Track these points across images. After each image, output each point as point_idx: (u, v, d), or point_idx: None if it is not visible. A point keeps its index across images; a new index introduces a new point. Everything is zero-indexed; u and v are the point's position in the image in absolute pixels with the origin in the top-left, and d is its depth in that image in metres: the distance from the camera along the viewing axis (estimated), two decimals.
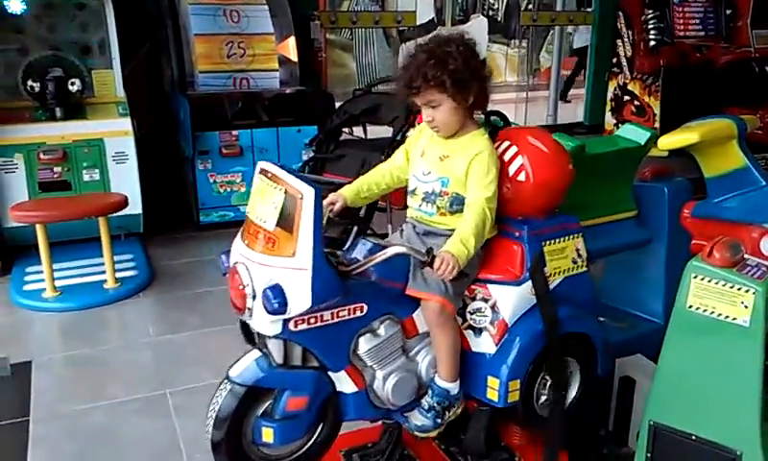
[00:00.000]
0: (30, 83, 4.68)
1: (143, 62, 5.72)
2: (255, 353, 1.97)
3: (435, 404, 2.08)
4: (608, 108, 8.14)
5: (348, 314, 1.93)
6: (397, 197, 3.41)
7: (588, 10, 8.61)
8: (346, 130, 4.30)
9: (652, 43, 7.49)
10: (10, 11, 4.72)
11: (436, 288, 1.96)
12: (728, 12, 7.85)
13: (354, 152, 4.05)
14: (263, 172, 1.91)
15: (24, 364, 3.42)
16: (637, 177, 3.09)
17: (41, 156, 4.51)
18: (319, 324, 1.88)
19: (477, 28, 11.54)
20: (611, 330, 2.87)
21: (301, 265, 1.77)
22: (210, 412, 1.94)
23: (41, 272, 4.11)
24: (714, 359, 1.94)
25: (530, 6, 9.30)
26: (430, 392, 2.09)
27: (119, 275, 4.30)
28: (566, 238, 2.18)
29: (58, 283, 4.15)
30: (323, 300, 1.83)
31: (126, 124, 4.69)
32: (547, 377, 2.18)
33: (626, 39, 7.74)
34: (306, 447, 2.08)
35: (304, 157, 4.88)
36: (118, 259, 4.39)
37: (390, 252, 1.91)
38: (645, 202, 3.01)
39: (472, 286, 2.12)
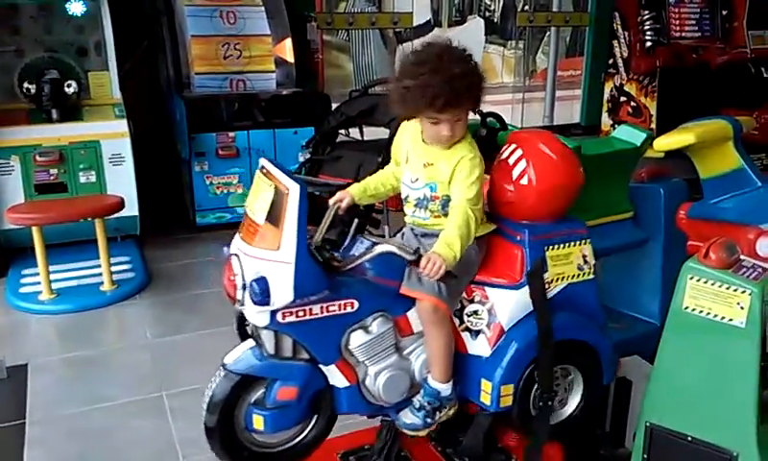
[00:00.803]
0: (26, 84, 4.68)
1: (139, 64, 5.72)
2: (250, 343, 2.03)
3: (426, 404, 2.08)
4: (604, 108, 8.15)
5: (339, 309, 1.96)
6: (393, 199, 3.42)
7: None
8: (342, 131, 4.30)
9: (648, 44, 7.50)
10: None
11: (429, 288, 1.96)
12: (724, 12, 7.86)
13: (351, 153, 4.05)
14: (262, 169, 1.97)
15: (20, 366, 3.41)
16: (634, 178, 3.10)
17: (37, 158, 4.51)
18: (308, 317, 1.92)
19: (474, 29, 11.56)
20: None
21: (285, 259, 1.83)
22: (205, 397, 2.00)
23: (38, 274, 4.11)
24: (710, 360, 1.95)
25: (526, 7, 9.30)
26: (422, 391, 2.10)
27: (116, 277, 4.29)
28: (572, 244, 2.14)
29: (54, 286, 4.14)
30: (305, 293, 1.88)
31: (122, 126, 4.68)
32: None
33: (622, 40, 7.75)
34: (300, 437, 2.12)
35: (301, 159, 4.88)
36: (115, 261, 4.38)
37: (378, 249, 1.95)
38: (641, 203, 3.02)
39: (471, 288, 2.11)
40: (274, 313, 1.88)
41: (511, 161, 2.12)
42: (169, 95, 5.51)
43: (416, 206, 2.10)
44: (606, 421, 2.64)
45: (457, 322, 2.12)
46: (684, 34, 7.71)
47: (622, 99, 7.86)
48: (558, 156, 2.13)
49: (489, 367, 2.08)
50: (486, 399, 2.10)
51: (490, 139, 3.15)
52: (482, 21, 11.78)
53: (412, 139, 2.11)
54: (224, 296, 1.98)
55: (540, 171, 2.09)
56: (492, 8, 11.87)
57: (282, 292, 1.84)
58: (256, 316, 1.92)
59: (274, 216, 1.86)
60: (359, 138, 4.32)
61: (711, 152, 2.77)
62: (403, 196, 2.16)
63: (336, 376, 2.02)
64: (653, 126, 7.29)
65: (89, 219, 4.12)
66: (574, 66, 9.93)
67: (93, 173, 4.65)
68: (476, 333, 2.11)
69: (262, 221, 1.89)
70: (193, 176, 5.16)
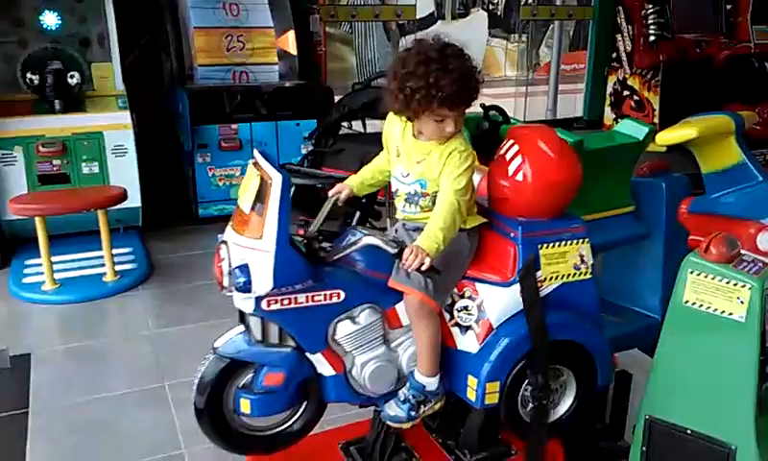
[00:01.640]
0: (29, 75, 4.68)
1: (142, 56, 5.72)
2: (240, 328, 2.07)
3: (410, 397, 2.09)
4: (607, 102, 8.14)
5: (324, 299, 1.99)
6: None
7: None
8: (345, 124, 4.30)
9: (651, 38, 7.48)
10: None
11: (416, 283, 1.95)
12: (728, 7, 7.84)
13: (353, 146, 4.06)
14: (253, 160, 2.00)
15: (23, 356, 3.43)
16: (636, 172, 3.10)
17: (40, 148, 4.52)
18: (293, 306, 1.95)
19: (477, 22, 11.52)
20: (608, 325, 2.87)
21: (266, 247, 1.87)
22: (195, 379, 2.05)
23: (40, 264, 4.12)
24: (710, 354, 1.95)
25: (529, 0, 9.27)
26: (408, 384, 2.10)
27: (118, 268, 4.31)
28: (568, 243, 2.09)
29: (57, 276, 4.16)
30: (285, 282, 1.91)
31: (125, 117, 4.69)
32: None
33: (626, 34, 7.74)
34: (289, 423, 2.16)
35: (303, 151, 4.89)
36: (117, 252, 4.40)
37: (363, 242, 1.98)
38: (643, 197, 3.02)
39: (462, 283, 2.10)
40: (258, 300, 1.92)
41: (508, 157, 2.09)
42: (172, 87, 5.51)
43: (406, 201, 2.09)
44: (606, 414, 2.64)
45: (447, 316, 2.11)
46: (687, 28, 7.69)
47: (625, 93, 7.85)
48: (555, 152, 2.08)
49: (476, 363, 2.07)
50: (471, 395, 2.08)
51: (492, 133, 3.15)
52: (485, 14, 11.74)
53: (402, 134, 2.08)
54: (227, 298, 2.01)
55: (536, 167, 2.05)
56: (496, 1, 11.83)
57: (263, 280, 1.88)
58: (242, 302, 1.97)
59: (259, 206, 1.90)
60: (362, 131, 4.33)
61: (713, 146, 2.77)
62: (393, 189, 2.15)
63: (323, 365, 2.05)
64: (656, 120, 7.29)
65: (92, 210, 4.12)
66: (577, 60, 9.91)
67: (96, 164, 4.66)
68: (465, 329, 2.09)
69: (248, 210, 1.94)
70: (196, 168, 5.16)
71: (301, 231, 2.02)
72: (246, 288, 1.89)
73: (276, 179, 1.85)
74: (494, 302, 2.06)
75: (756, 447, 1.89)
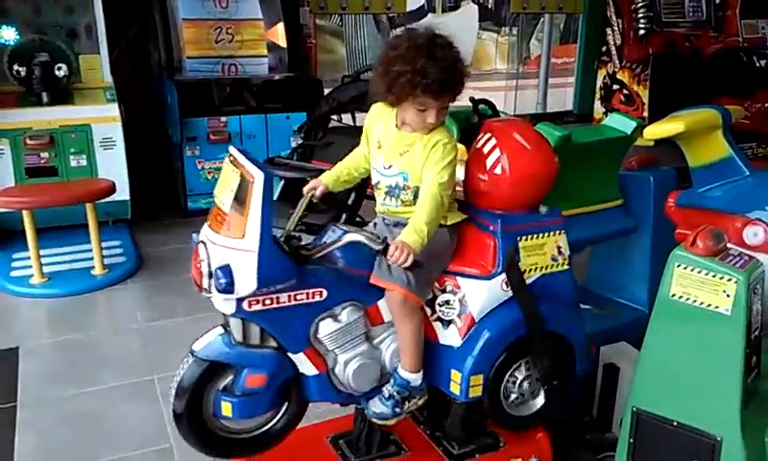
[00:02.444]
0: (16, 67, 4.65)
1: (130, 48, 5.69)
2: (219, 330, 2.02)
3: (395, 393, 2.09)
4: (597, 96, 8.16)
5: (307, 298, 1.95)
6: None
7: None
8: (334, 117, 4.29)
9: (641, 32, 7.50)
10: None
11: (399, 279, 1.95)
12: (717, 1, 7.87)
13: (343, 139, 4.04)
14: (230, 156, 1.94)
15: (11, 350, 3.42)
16: (624, 166, 3.11)
17: (28, 141, 4.49)
18: (274, 306, 1.91)
19: (467, 15, 11.52)
20: (595, 318, 2.89)
21: (249, 247, 1.81)
22: (173, 383, 1.99)
23: (28, 258, 4.10)
24: (696, 347, 1.97)
25: None
26: (392, 381, 2.10)
27: (107, 261, 4.29)
28: (546, 234, 2.12)
29: (45, 269, 4.14)
30: (269, 282, 1.86)
31: (113, 109, 4.67)
32: (517, 375, 2.16)
33: (615, 28, 7.75)
34: (270, 424, 2.11)
35: (293, 144, 4.87)
36: (106, 245, 4.38)
37: (346, 239, 1.94)
38: (631, 191, 3.04)
39: (443, 278, 2.10)
40: (240, 301, 1.87)
41: (485, 150, 2.09)
42: (160, 79, 5.49)
43: (387, 193, 2.08)
44: (593, 406, 2.66)
45: (429, 311, 2.11)
46: (676, 21, 7.72)
47: (615, 87, 7.87)
48: (532, 145, 2.11)
49: (459, 357, 2.07)
50: (455, 389, 2.09)
51: (482, 126, 3.15)
52: (476, 7, 11.74)
53: (385, 125, 2.07)
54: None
55: (514, 160, 2.05)
56: None
57: (246, 280, 1.82)
58: (223, 304, 1.91)
59: (240, 204, 1.84)
60: (351, 124, 4.32)
61: (701, 140, 2.78)
62: (374, 182, 2.13)
63: (305, 365, 2.01)
64: (645, 114, 7.31)
65: (80, 203, 4.10)
66: (568, 53, 9.93)
67: (84, 157, 4.64)
68: (447, 323, 2.10)
69: (228, 209, 1.87)
70: (184, 160, 5.15)
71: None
72: (228, 289, 1.83)
73: (258, 176, 1.79)
74: (476, 295, 2.07)
75: (742, 438, 1.91)
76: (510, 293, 2.08)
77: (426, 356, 2.09)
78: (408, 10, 7.96)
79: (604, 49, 7.95)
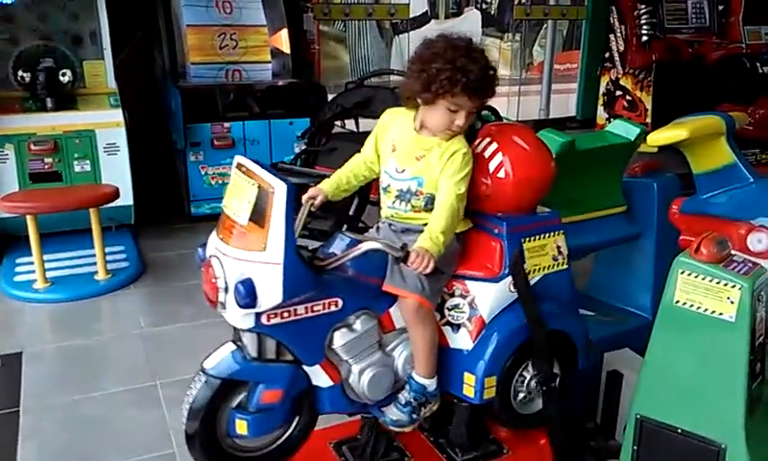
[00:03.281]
0: (20, 73, 4.65)
1: (135, 53, 5.70)
2: (231, 346, 1.98)
3: (412, 400, 2.09)
4: (600, 102, 8.16)
5: (323, 309, 1.94)
6: None
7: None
8: (338, 123, 4.30)
9: (644, 38, 7.51)
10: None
11: (413, 286, 1.96)
12: (720, 7, 7.87)
13: (346, 145, 4.04)
14: (239, 166, 1.92)
15: (15, 355, 3.42)
16: (627, 172, 3.11)
17: (32, 146, 4.50)
18: (292, 318, 1.89)
19: (470, 21, 11.52)
20: (599, 324, 2.89)
21: (273, 259, 1.78)
22: (185, 404, 1.95)
23: (32, 263, 4.10)
24: (700, 354, 1.96)
25: (523, 0, 9.28)
26: (407, 387, 2.10)
27: (110, 266, 4.29)
28: (547, 235, 2.17)
29: (48, 274, 4.14)
30: (294, 294, 1.84)
31: (117, 115, 4.67)
32: (525, 374, 2.18)
33: (618, 34, 7.76)
34: (282, 439, 2.08)
35: (296, 150, 4.87)
36: (109, 251, 4.38)
37: (364, 247, 1.92)
38: (635, 197, 3.04)
39: (451, 282, 2.12)
40: (258, 316, 1.84)
41: (486, 155, 2.12)
42: (164, 85, 5.50)
43: (397, 197, 2.08)
44: (597, 413, 2.66)
45: (438, 316, 2.12)
46: (680, 28, 7.72)
47: (618, 93, 7.87)
48: (532, 147, 2.15)
49: (471, 360, 2.10)
50: (469, 391, 2.11)
51: (474, 133, 3.16)
52: (478, 13, 11.74)
53: (402, 128, 2.08)
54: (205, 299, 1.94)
55: (517, 163, 2.09)
56: (490, 0, 11.84)
57: (270, 294, 1.80)
58: (240, 319, 1.87)
59: (258, 216, 1.80)
60: (355, 130, 4.33)
61: (704, 147, 2.78)
62: (383, 186, 2.13)
63: (320, 377, 2.00)
64: (648, 120, 7.31)
65: (84, 208, 4.11)
66: (571, 60, 9.93)
67: (88, 162, 4.64)
68: (457, 327, 2.12)
69: (245, 221, 1.83)
70: (188, 166, 5.15)
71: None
72: (251, 304, 1.79)
73: (280, 188, 1.76)
74: (485, 298, 2.09)
75: (746, 446, 1.90)
76: (517, 294, 2.11)
77: (437, 361, 2.10)
78: (411, 16, 7.97)
79: (607, 55, 7.95)
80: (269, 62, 5.58)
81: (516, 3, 8.62)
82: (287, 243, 1.77)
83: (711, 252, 1.93)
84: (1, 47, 4.76)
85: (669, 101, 7.03)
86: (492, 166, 2.10)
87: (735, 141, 2.78)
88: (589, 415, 2.66)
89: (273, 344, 1.94)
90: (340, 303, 1.96)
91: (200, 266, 1.98)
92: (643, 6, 7.50)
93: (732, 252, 2.00)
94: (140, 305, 4.08)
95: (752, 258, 2.03)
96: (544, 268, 2.17)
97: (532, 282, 2.13)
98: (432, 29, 9.53)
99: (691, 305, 1.95)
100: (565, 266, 2.23)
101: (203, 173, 5.19)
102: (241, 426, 1.94)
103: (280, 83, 5.52)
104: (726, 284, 1.89)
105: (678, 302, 1.97)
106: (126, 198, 4.57)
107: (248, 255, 1.82)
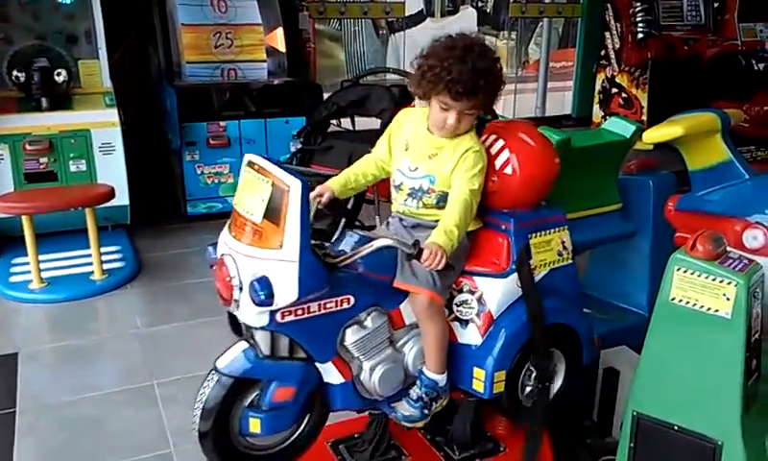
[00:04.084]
0: (15, 72, 4.64)
1: (130, 53, 5.68)
2: (243, 345, 1.98)
3: (423, 395, 2.10)
4: (596, 100, 8.17)
5: (336, 306, 1.95)
6: (385, 188, 3.41)
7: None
8: (334, 121, 4.29)
9: (640, 36, 7.52)
10: None
11: (424, 281, 1.97)
12: (715, 4, 7.89)
13: (342, 143, 4.05)
14: (250, 164, 1.92)
15: (10, 355, 3.42)
16: (623, 170, 3.11)
17: (27, 146, 4.48)
18: (306, 315, 1.90)
19: (466, 19, 11.52)
20: (595, 322, 2.89)
21: (289, 257, 1.79)
22: (197, 403, 1.95)
23: (27, 263, 4.09)
24: (696, 351, 1.96)
25: None
26: (419, 383, 2.11)
27: (106, 266, 4.29)
28: (552, 231, 2.20)
29: (44, 275, 4.13)
30: (309, 291, 1.85)
31: (113, 115, 4.66)
32: (532, 368, 2.20)
33: (614, 32, 7.77)
34: (293, 437, 2.10)
35: (292, 149, 4.87)
36: (105, 251, 4.37)
37: (377, 244, 1.93)
38: (630, 194, 3.04)
39: (459, 278, 2.13)
40: (273, 313, 1.85)
41: (493, 151, 2.14)
42: (160, 84, 5.48)
43: (409, 195, 2.10)
44: (593, 410, 2.66)
45: (446, 312, 2.13)
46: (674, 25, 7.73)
47: (613, 90, 7.88)
48: (538, 144, 2.17)
49: (480, 355, 2.11)
50: (479, 386, 2.12)
51: (480, 129, 3.16)
52: (474, 11, 11.74)
53: (416, 127, 2.11)
54: (214, 287, 1.94)
55: (524, 160, 2.12)
56: None
57: (287, 291, 1.80)
58: (254, 317, 1.87)
59: (273, 214, 1.81)
60: (350, 129, 4.32)
61: (700, 144, 2.78)
62: (396, 183, 2.15)
63: (332, 374, 2.01)
64: (644, 117, 7.32)
65: (79, 208, 4.10)
66: (566, 57, 9.94)
67: (83, 162, 4.63)
68: (466, 323, 2.14)
69: (260, 219, 1.84)
70: (184, 165, 5.14)
71: None
72: (267, 302, 1.80)
73: (295, 186, 1.77)
74: (493, 293, 2.11)
75: (742, 442, 1.91)
76: None
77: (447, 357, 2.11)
78: (407, 14, 7.97)
79: (603, 53, 7.96)
80: (264, 61, 5.56)
81: (511, 1, 8.60)
82: (302, 241, 1.78)
83: (707, 249, 1.93)
84: None
85: (665, 98, 7.04)
86: (498, 163, 2.12)
87: (731, 138, 2.79)
88: (586, 412, 2.66)
89: (285, 342, 1.95)
90: (352, 300, 1.97)
91: (211, 265, 1.98)
92: (639, 3, 7.50)
93: (728, 249, 2.00)
94: (136, 305, 4.08)
95: (747, 255, 2.03)
96: (550, 263, 2.20)
97: (538, 278, 2.15)
98: (427, 27, 9.54)
99: (687, 302, 1.95)
100: (570, 261, 2.25)
101: (198, 172, 5.18)
102: (254, 425, 1.95)
103: (276, 81, 5.51)
104: (722, 281, 1.89)
105: (674, 299, 1.97)
106: (121, 198, 4.56)
107: (263, 253, 1.82)
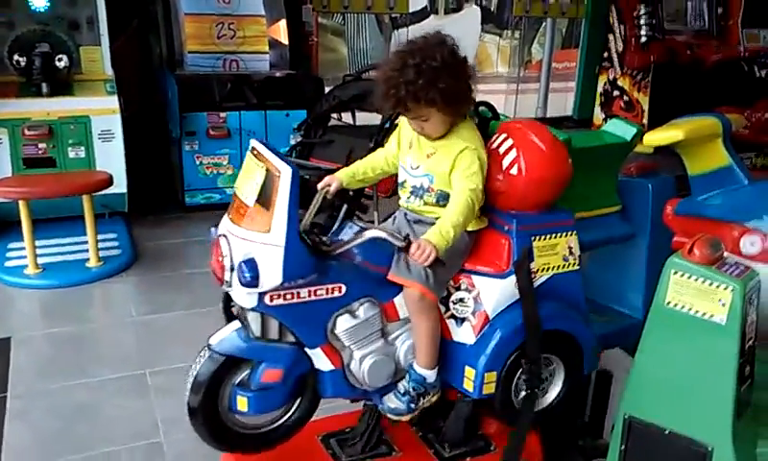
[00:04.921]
0: (16, 57, 4.64)
1: (131, 39, 5.67)
2: (236, 324, 2.03)
3: (411, 390, 2.10)
4: (597, 102, 8.16)
5: (326, 293, 1.97)
6: (383, 185, 3.40)
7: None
8: (334, 115, 4.29)
9: (643, 39, 7.51)
10: None
11: (417, 276, 1.97)
12: (719, 10, 7.87)
13: (342, 138, 4.04)
14: (252, 150, 1.96)
15: (3, 340, 3.41)
16: (623, 172, 3.10)
17: (26, 131, 4.48)
18: (295, 300, 1.92)
19: (470, 17, 11.52)
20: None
21: (275, 241, 1.83)
22: (189, 377, 2.00)
23: (23, 248, 4.09)
24: (690, 356, 1.96)
25: None
26: (407, 377, 2.11)
27: (102, 253, 4.28)
28: (558, 235, 2.16)
29: (40, 260, 4.13)
30: (294, 276, 1.88)
31: (113, 102, 4.65)
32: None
33: (618, 34, 7.76)
34: (283, 419, 2.13)
35: (292, 142, 4.86)
36: (102, 238, 4.37)
37: (368, 235, 1.96)
38: (629, 197, 3.02)
39: (458, 276, 2.12)
40: (261, 295, 1.88)
41: (501, 151, 2.12)
42: (161, 73, 5.47)
43: (411, 192, 2.12)
44: (585, 412, 2.66)
45: (443, 309, 2.13)
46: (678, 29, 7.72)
47: (615, 93, 7.87)
48: (548, 146, 2.13)
49: (473, 354, 2.10)
50: (469, 385, 2.11)
51: (481, 128, 3.14)
52: (478, 9, 11.74)
53: None
54: (211, 277, 1.98)
55: (531, 161, 2.09)
56: None
57: (271, 274, 1.84)
58: (244, 298, 1.91)
59: (264, 198, 1.85)
60: (351, 123, 4.32)
61: (700, 149, 2.77)
62: (400, 180, 2.16)
63: (321, 360, 2.03)
64: (645, 121, 7.31)
65: (77, 195, 4.09)
66: (569, 58, 9.93)
67: (82, 148, 4.62)
68: (461, 321, 2.12)
69: (252, 203, 1.89)
70: (183, 155, 5.14)
71: None
72: (253, 283, 1.84)
73: (286, 171, 1.81)
74: (491, 293, 2.09)
75: (734, 447, 1.90)
76: None
77: (439, 353, 2.11)
78: (411, 10, 7.96)
79: (605, 55, 7.95)
80: (266, 53, 5.56)
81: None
82: (289, 226, 1.82)
83: (704, 253, 1.92)
84: None
85: (666, 103, 7.03)
86: (505, 162, 2.10)
87: (732, 144, 2.78)
88: (578, 413, 2.66)
89: (275, 324, 1.98)
90: (343, 288, 1.99)
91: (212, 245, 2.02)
92: (642, 6, 7.49)
93: (725, 254, 2.00)
94: (132, 294, 4.07)
95: (744, 261, 2.02)
96: (554, 268, 2.16)
97: (540, 281, 2.12)
98: (432, 24, 9.52)
99: (682, 307, 1.94)
100: (576, 267, 2.21)
101: (197, 162, 5.17)
102: (242, 403, 1.99)
103: (278, 74, 5.51)
104: (718, 286, 1.88)
105: (669, 303, 1.96)
106: (120, 185, 4.55)
107: (253, 236, 1.87)
